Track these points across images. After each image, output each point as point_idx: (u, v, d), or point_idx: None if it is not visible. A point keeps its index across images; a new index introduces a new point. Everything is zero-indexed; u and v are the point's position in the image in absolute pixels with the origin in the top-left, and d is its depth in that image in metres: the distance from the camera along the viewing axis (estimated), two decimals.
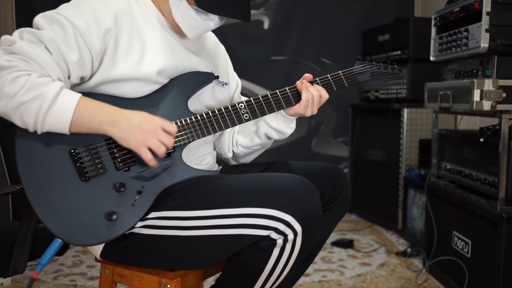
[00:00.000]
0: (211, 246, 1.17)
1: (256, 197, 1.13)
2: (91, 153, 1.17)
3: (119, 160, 1.19)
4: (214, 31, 1.37)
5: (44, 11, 1.17)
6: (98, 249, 1.27)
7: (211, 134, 1.28)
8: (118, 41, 1.20)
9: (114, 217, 1.15)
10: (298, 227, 1.11)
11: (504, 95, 1.86)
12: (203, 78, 1.32)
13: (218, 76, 1.37)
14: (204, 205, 1.17)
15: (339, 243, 2.84)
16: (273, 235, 1.11)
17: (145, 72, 1.22)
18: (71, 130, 1.12)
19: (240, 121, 1.30)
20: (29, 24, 1.16)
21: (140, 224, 1.20)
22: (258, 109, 1.31)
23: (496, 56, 1.89)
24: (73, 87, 1.20)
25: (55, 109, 1.09)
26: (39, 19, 1.15)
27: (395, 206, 3.02)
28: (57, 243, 1.16)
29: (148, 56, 1.23)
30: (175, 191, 1.22)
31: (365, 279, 2.33)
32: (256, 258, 1.14)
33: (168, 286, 1.24)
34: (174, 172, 1.24)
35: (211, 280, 2.08)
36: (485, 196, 1.98)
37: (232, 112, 1.29)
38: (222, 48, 1.54)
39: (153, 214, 1.20)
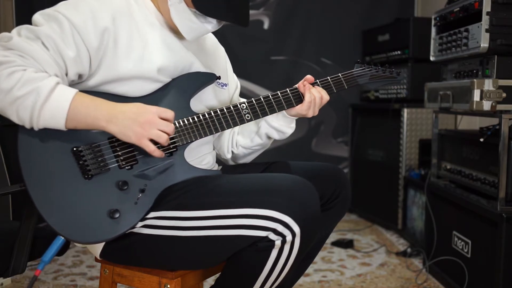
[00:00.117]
0: (210, 246, 1.17)
1: (255, 198, 1.13)
2: (94, 151, 1.17)
3: (121, 158, 1.19)
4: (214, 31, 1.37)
5: None
6: (98, 249, 1.27)
7: (213, 133, 1.28)
8: (118, 40, 1.20)
9: (117, 215, 1.15)
10: (296, 228, 1.11)
11: (504, 95, 1.86)
12: (205, 78, 1.33)
13: (220, 76, 1.37)
14: (204, 205, 1.17)
15: (339, 243, 2.84)
16: (272, 236, 1.11)
17: (146, 71, 1.22)
18: (67, 126, 1.12)
19: (242, 121, 1.31)
20: (29, 24, 1.16)
21: (140, 224, 1.20)
22: (259, 109, 1.32)
23: (496, 56, 1.89)
24: (73, 86, 1.20)
25: (50, 104, 1.08)
26: (37, 16, 1.16)
27: (395, 206, 3.02)
28: (59, 241, 1.16)
29: (148, 54, 1.23)
30: (174, 191, 1.22)
31: (365, 279, 2.33)
32: (255, 259, 1.14)
33: (168, 286, 1.24)
34: (177, 171, 1.24)
35: (211, 280, 2.08)
36: (485, 196, 1.98)
37: (234, 112, 1.30)
38: (221, 49, 1.54)
39: (152, 214, 1.20)
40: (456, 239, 2.12)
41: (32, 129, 1.11)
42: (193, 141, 1.26)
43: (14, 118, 1.10)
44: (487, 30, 1.87)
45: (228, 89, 1.49)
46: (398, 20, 3.27)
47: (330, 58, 3.66)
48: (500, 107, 1.86)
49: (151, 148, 1.15)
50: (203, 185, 1.21)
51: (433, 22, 2.32)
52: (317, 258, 2.56)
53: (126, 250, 1.24)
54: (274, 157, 2.18)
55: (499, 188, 1.83)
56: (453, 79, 2.22)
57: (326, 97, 1.37)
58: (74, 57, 1.14)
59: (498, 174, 1.84)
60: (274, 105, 1.34)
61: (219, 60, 1.50)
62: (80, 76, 1.19)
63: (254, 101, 1.33)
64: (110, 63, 1.19)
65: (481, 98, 1.88)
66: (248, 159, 1.53)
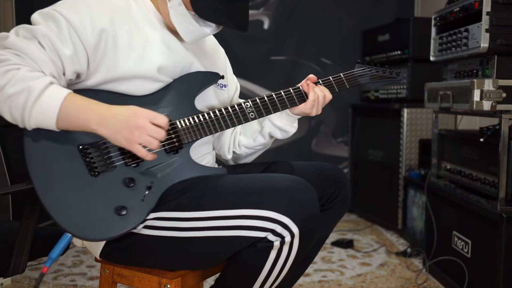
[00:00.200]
0: (210, 247, 1.17)
1: (254, 199, 1.14)
2: (100, 148, 1.17)
3: (128, 155, 1.19)
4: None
5: None
6: (97, 249, 1.27)
7: (218, 131, 1.29)
8: (117, 40, 1.20)
9: (124, 212, 1.15)
10: (295, 229, 1.11)
11: (504, 95, 1.86)
12: (210, 78, 1.34)
13: (223, 76, 1.38)
14: (203, 206, 1.17)
15: (339, 243, 2.84)
16: (270, 236, 1.12)
17: (146, 70, 1.22)
18: (59, 126, 1.11)
19: (246, 120, 1.32)
20: (29, 24, 1.17)
21: (140, 224, 1.20)
22: (263, 108, 1.33)
23: (496, 56, 1.89)
24: (72, 85, 1.20)
25: (41, 103, 1.08)
26: (36, 16, 1.16)
27: (395, 206, 3.02)
28: (66, 238, 1.16)
29: (148, 54, 1.23)
30: (174, 191, 1.22)
31: (365, 279, 2.33)
32: (254, 259, 1.14)
33: (168, 286, 1.24)
34: (183, 168, 1.24)
35: (211, 280, 2.08)
36: (485, 196, 1.98)
37: (238, 110, 1.31)
38: (221, 50, 1.55)
39: (152, 215, 1.20)
40: (456, 239, 2.12)
41: (25, 129, 1.11)
42: (198, 139, 1.27)
43: (8, 117, 1.10)
44: (487, 30, 1.87)
45: (228, 90, 1.49)
46: (398, 20, 3.27)
47: (330, 58, 3.66)
48: (500, 107, 1.86)
49: (142, 154, 1.12)
50: (203, 185, 1.21)
51: (433, 22, 2.32)
52: (317, 258, 2.56)
53: (126, 250, 1.24)
54: (274, 157, 2.18)
55: (499, 188, 1.83)
56: (453, 79, 2.22)
57: (329, 96, 1.38)
58: (71, 55, 1.14)
59: (498, 174, 1.84)
60: (278, 104, 1.35)
61: (219, 61, 1.50)
62: (78, 75, 1.19)
63: (258, 100, 1.33)
64: (110, 63, 1.19)
65: (481, 98, 1.88)
66: (249, 159, 1.54)
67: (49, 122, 1.10)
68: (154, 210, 1.20)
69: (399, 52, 3.12)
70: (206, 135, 1.27)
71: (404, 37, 3.07)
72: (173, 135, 1.24)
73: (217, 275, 1.28)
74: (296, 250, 1.14)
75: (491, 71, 1.92)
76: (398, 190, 2.99)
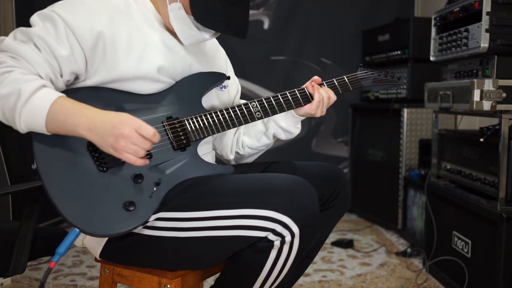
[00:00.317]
0: (210, 247, 1.17)
1: (254, 198, 1.14)
2: None
3: None
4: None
5: None
6: (97, 249, 1.27)
7: (225, 130, 1.30)
8: (116, 41, 1.19)
9: (132, 208, 1.14)
10: (295, 229, 1.11)
11: (504, 95, 1.86)
12: (216, 78, 1.35)
13: (229, 76, 1.39)
14: (203, 206, 1.17)
15: (339, 243, 2.84)
16: (271, 236, 1.12)
17: (146, 71, 1.22)
18: (49, 129, 1.09)
19: (253, 119, 1.33)
20: (29, 24, 1.17)
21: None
22: (269, 108, 1.35)
23: (496, 56, 1.89)
24: (70, 86, 1.20)
25: (31, 106, 1.07)
26: (34, 17, 1.16)
27: (395, 206, 3.02)
28: (74, 233, 1.15)
29: (147, 54, 1.23)
30: (174, 192, 1.21)
31: (365, 279, 2.33)
32: (254, 259, 1.14)
33: (168, 286, 1.24)
34: (190, 166, 1.25)
35: (211, 280, 2.08)
36: (485, 196, 1.98)
37: (245, 110, 1.32)
38: (222, 51, 1.55)
39: (152, 215, 1.20)
40: (456, 239, 2.12)
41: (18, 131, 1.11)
42: (206, 136, 1.28)
43: (2, 118, 1.10)
44: (487, 30, 1.87)
45: (228, 91, 1.49)
46: (398, 20, 3.27)
47: (330, 58, 3.66)
48: (500, 107, 1.86)
49: (131, 160, 1.10)
50: (202, 185, 1.21)
51: (433, 22, 2.32)
52: (317, 258, 2.56)
53: (126, 250, 1.24)
54: (274, 157, 2.18)
55: (499, 188, 1.83)
56: (453, 79, 2.22)
57: (333, 97, 1.40)
58: (67, 56, 1.14)
59: (498, 174, 1.84)
60: (283, 104, 1.36)
61: (219, 62, 1.50)
62: (76, 76, 1.19)
63: (264, 99, 1.35)
64: (110, 64, 1.19)
65: (481, 98, 1.88)
66: (251, 159, 1.54)
67: (39, 125, 1.08)
68: (155, 210, 1.20)
69: (399, 52, 3.12)
70: (213, 133, 1.28)
71: (404, 37, 3.07)
72: (180, 133, 1.24)
73: (217, 275, 1.28)
74: (296, 250, 1.14)
75: (491, 71, 1.92)
76: (398, 190, 2.99)
